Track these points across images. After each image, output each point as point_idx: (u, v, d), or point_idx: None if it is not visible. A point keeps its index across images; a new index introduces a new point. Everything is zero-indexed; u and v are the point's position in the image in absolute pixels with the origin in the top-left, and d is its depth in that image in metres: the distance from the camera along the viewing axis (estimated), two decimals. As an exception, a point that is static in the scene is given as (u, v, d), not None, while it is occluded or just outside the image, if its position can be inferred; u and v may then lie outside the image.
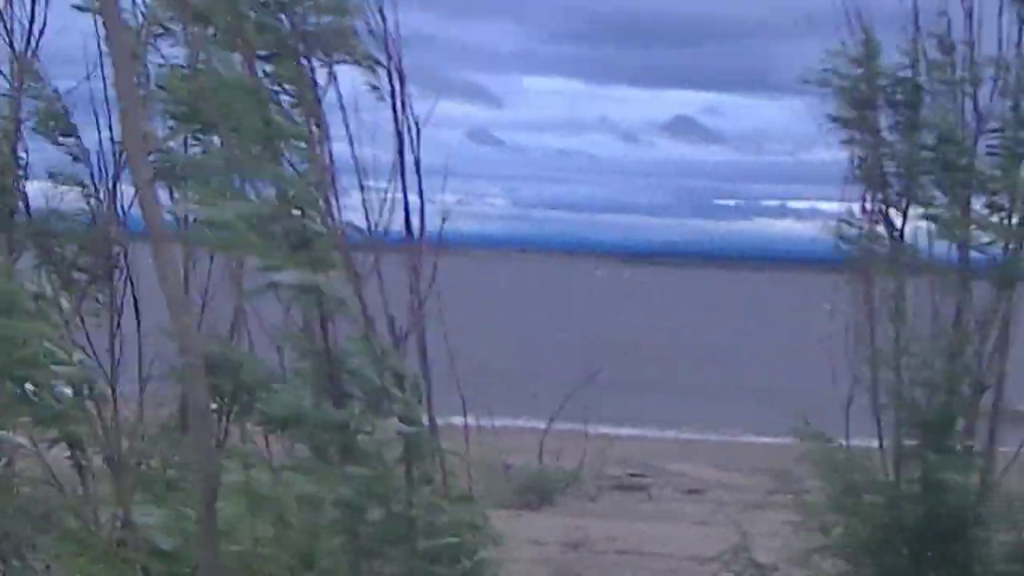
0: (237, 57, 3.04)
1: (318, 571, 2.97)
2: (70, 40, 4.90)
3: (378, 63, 3.01)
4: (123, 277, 4.78)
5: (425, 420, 3.07)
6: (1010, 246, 4.69)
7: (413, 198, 3.18)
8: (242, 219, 2.72)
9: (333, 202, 2.96)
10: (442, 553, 3.09)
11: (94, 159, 5.29)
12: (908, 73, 4.81)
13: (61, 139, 5.16)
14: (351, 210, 3.11)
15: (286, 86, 3.10)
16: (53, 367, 3.28)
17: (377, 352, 2.92)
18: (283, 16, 3.06)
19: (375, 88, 3.02)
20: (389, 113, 3.13)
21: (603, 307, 39.23)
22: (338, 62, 2.97)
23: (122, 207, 4.86)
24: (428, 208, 3.16)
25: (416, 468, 3.00)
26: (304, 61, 3.07)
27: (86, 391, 3.46)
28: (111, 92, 4.20)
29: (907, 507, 4.60)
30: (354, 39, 3.04)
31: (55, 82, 5.58)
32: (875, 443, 4.77)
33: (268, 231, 2.75)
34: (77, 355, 3.50)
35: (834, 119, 4.90)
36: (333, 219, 2.95)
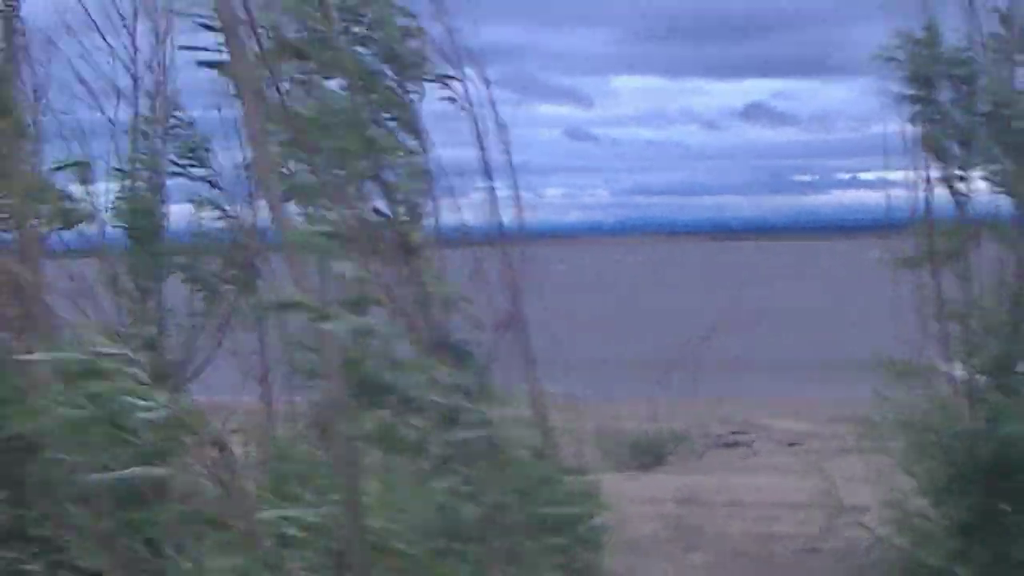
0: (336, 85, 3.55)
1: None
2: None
3: (451, 78, 3.59)
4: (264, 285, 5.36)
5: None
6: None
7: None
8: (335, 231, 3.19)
9: (433, 206, 3.55)
10: (558, 522, 3.53)
11: (229, 181, 5.90)
12: (967, 51, 5.16)
13: (199, 168, 5.82)
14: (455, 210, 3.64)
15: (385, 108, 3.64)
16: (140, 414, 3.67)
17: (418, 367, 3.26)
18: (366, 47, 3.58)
19: (452, 100, 3.60)
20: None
21: (700, 282, 39.55)
22: (423, 81, 3.51)
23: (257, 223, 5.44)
24: (536, 203, 3.70)
25: (500, 459, 3.41)
26: (395, 83, 3.60)
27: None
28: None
29: (980, 446, 4.98)
30: (428, 61, 3.58)
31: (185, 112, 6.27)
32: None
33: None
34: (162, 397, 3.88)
35: (900, 96, 5.25)
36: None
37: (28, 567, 5.30)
